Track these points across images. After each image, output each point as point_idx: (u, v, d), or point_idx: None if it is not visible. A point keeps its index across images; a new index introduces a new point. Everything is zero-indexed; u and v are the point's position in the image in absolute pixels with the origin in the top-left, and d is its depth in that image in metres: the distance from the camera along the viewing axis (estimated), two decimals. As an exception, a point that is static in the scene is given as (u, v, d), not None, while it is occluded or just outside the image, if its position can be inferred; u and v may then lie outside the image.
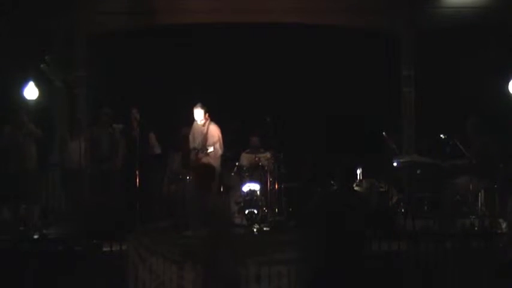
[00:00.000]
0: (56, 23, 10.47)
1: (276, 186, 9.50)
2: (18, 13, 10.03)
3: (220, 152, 9.27)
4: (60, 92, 10.69)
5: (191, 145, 9.28)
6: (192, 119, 9.48)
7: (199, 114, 9.17)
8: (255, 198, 9.33)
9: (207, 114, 9.24)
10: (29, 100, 9.92)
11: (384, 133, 9.03)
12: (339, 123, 10.71)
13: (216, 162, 9.15)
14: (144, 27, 10.89)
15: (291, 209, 9.56)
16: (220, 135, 9.26)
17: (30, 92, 9.95)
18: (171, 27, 10.98)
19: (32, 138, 8.96)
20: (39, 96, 10.03)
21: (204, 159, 9.03)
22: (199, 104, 9.23)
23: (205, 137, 9.05)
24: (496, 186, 8.14)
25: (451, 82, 10.56)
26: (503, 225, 7.98)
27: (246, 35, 11.03)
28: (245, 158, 10.11)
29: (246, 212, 9.18)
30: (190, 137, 9.30)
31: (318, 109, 10.94)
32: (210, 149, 8.96)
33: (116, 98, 10.31)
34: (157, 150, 9.72)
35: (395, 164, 8.72)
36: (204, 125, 9.18)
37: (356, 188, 8.88)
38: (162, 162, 9.99)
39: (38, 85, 10.00)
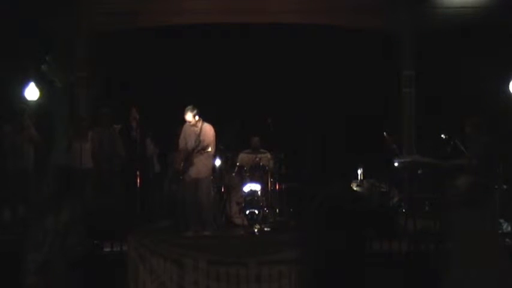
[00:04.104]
0: (56, 23, 10.47)
1: (277, 187, 9.51)
2: (19, 13, 10.03)
3: (212, 152, 9.15)
4: (61, 93, 10.69)
5: (181, 146, 9.19)
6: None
7: (190, 115, 9.09)
8: (255, 198, 9.33)
9: (197, 116, 9.17)
10: (30, 100, 9.94)
11: (384, 133, 9.03)
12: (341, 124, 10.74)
13: (209, 162, 9.14)
14: (145, 28, 10.89)
15: (291, 210, 9.56)
16: (214, 135, 9.11)
17: (31, 92, 9.97)
18: (171, 27, 10.98)
19: (30, 141, 9.00)
20: (40, 97, 10.05)
21: (196, 160, 9.00)
22: (190, 106, 9.13)
23: (198, 137, 8.98)
24: (496, 186, 8.13)
25: (451, 82, 10.56)
26: (504, 226, 7.98)
27: (246, 35, 11.03)
28: (246, 159, 10.12)
29: (247, 212, 9.19)
30: (182, 139, 9.20)
31: (318, 109, 10.95)
32: (209, 149, 8.91)
33: (116, 98, 10.32)
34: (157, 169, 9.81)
35: (396, 164, 8.72)
36: (196, 125, 9.10)
37: (357, 188, 8.90)
38: (163, 162, 10.04)
39: (38, 85, 10.02)
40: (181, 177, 9.11)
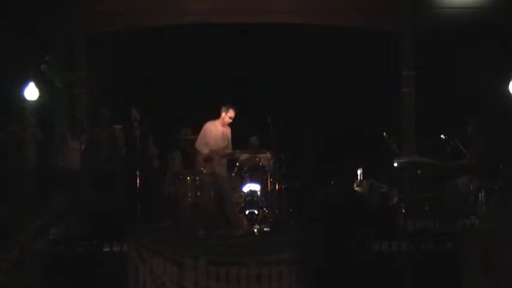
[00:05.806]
0: (56, 23, 10.47)
1: (277, 187, 9.50)
2: (19, 13, 10.03)
3: None
4: (60, 93, 10.70)
5: (203, 147, 9.05)
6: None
7: (233, 113, 9.07)
8: (255, 198, 9.33)
9: None
10: (30, 100, 9.95)
11: (384, 133, 9.03)
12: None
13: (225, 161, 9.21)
14: (144, 27, 10.90)
15: (291, 210, 9.56)
16: None
17: (31, 92, 9.98)
18: (171, 27, 10.99)
19: (33, 140, 9.01)
20: (39, 97, 10.05)
21: (218, 161, 8.96)
22: (229, 104, 9.03)
23: (227, 138, 9.03)
24: (496, 186, 8.13)
25: (451, 82, 10.57)
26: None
27: (246, 35, 11.04)
28: (246, 159, 10.11)
29: (247, 212, 9.20)
30: (203, 137, 9.03)
31: (318, 109, 10.96)
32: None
33: (116, 98, 10.33)
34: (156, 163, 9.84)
35: (395, 165, 8.71)
36: (224, 126, 9.10)
37: (357, 189, 8.90)
38: (162, 162, 10.04)
39: (38, 85, 10.02)
40: (181, 177, 9.12)
